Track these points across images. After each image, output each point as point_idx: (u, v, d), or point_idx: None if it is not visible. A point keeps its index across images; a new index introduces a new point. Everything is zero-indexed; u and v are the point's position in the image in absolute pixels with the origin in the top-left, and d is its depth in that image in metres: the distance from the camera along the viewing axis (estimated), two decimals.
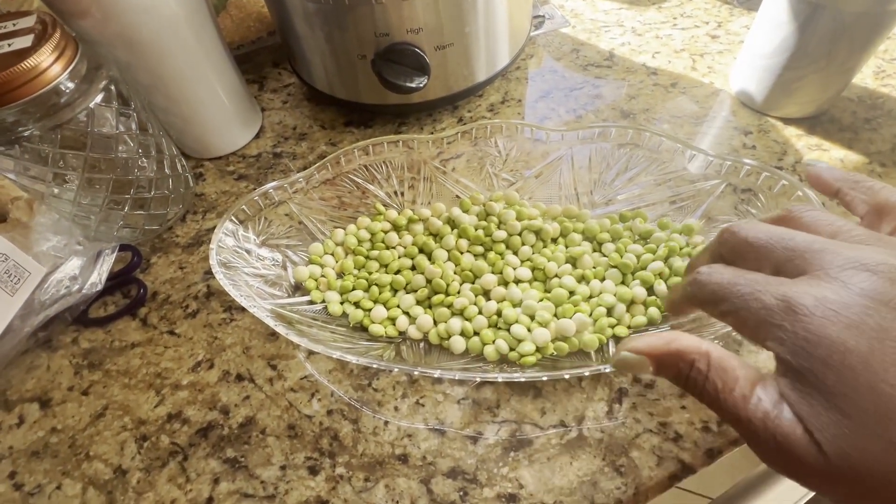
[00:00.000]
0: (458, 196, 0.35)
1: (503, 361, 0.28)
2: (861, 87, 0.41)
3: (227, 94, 0.40)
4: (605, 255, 0.31)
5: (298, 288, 0.33)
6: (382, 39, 0.35)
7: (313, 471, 0.27)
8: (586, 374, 0.25)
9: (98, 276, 0.34)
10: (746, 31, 0.47)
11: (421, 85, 0.37)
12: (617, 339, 0.29)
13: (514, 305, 0.29)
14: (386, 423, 0.28)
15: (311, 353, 0.31)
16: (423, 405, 0.29)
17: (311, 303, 0.32)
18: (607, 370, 0.25)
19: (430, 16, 0.34)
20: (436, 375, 0.26)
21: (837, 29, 0.33)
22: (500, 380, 0.25)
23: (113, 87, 0.31)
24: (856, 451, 0.15)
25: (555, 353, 0.28)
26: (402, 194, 0.36)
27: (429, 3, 0.33)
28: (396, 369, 0.25)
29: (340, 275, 0.33)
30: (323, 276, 0.32)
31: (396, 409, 0.29)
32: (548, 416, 0.28)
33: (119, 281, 0.35)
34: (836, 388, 0.15)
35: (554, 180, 0.35)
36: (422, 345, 0.30)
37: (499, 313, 0.29)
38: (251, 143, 0.44)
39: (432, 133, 0.42)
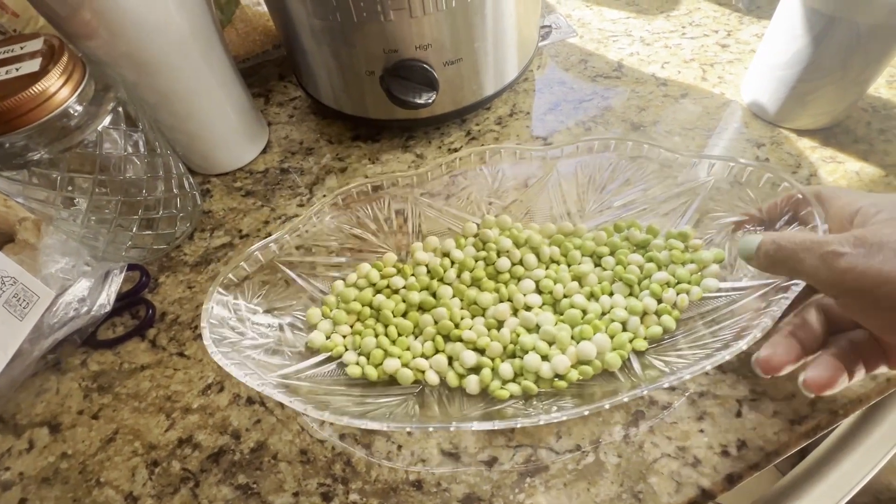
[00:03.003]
0: (449, 228, 0.34)
1: (529, 397, 0.27)
2: (875, 97, 0.41)
3: (234, 110, 0.40)
4: (606, 270, 0.31)
5: (300, 353, 0.30)
6: (391, 56, 0.35)
7: (326, 497, 0.27)
8: (625, 399, 0.24)
9: (106, 298, 0.34)
10: (756, 39, 0.47)
11: (429, 101, 0.37)
12: (638, 353, 0.28)
13: (530, 331, 0.29)
14: (399, 447, 0.28)
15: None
16: (448, 430, 0.28)
17: (330, 359, 0.30)
18: (643, 393, 0.24)
19: (439, 32, 0.34)
20: (472, 429, 0.24)
21: (852, 41, 0.32)
22: (541, 422, 0.23)
23: (120, 109, 0.31)
24: None
25: (580, 378, 0.27)
26: (391, 222, 0.34)
27: (438, 19, 0.33)
28: (432, 428, 0.24)
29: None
30: (336, 332, 0.31)
31: (409, 433, 0.28)
32: (563, 440, 0.27)
33: (127, 302, 0.35)
34: None
35: (544, 196, 0.34)
36: (442, 390, 0.28)
37: (514, 342, 0.29)
38: (258, 158, 0.43)
39: (440, 147, 0.42)
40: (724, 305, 0.28)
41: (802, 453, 0.45)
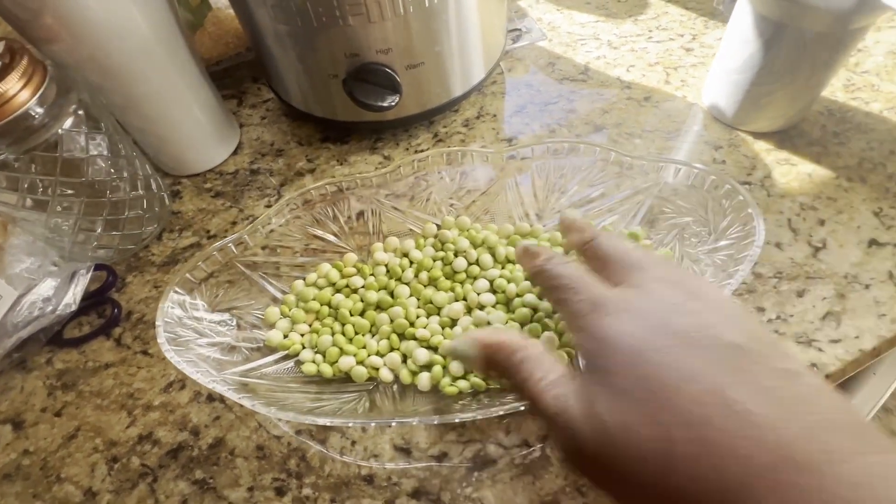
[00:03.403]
0: (410, 229, 0.35)
1: (477, 393, 0.28)
2: (831, 100, 0.42)
3: (203, 112, 0.41)
4: None
5: (259, 350, 0.31)
6: (353, 60, 0.36)
7: (280, 492, 0.27)
8: None
9: (72, 297, 0.34)
10: (720, 43, 0.47)
11: (393, 104, 0.37)
12: None
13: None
14: (353, 443, 0.29)
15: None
16: (390, 425, 0.29)
17: (288, 357, 0.31)
18: None
19: (399, 37, 0.35)
20: (414, 423, 0.25)
21: (800, 47, 0.33)
22: (479, 418, 0.24)
23: (82, 112, 0.31)
24: (622, 427, 0.16)
25: None
26: (352, 223, 0.35)
27: (397, 24, 0.34)
28: (373, 423, 0.25)
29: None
30: (294, 331, 0.31)
31: (364, 429, 0.29)
32: (512, 435, 0.28)
33: (94, 301, 0.36)
34: (617, 370, 0.17)
35: (503, 198, 0.35)
36: (395, 387, 0.29)
37: None
38: (229, 159, 0.44)
39: (407, 149, 0.43)
40: None
41: None
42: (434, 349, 0.29)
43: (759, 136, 0.40)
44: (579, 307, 0.20)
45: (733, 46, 0.37)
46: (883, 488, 0.13)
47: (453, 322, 0.30)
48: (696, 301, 0.18)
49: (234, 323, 0.31)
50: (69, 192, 0.32)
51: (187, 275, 0.29)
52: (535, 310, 0.30)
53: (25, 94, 0.29)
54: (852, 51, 0.34)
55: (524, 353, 0.20)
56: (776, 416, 0.14)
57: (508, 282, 0.31)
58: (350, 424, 0.25)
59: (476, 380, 0.27)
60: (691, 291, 0.19)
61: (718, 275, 0.28)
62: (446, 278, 0.32)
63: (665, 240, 0.32)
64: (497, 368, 0.21)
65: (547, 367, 0.19)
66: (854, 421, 0.15)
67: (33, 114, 0.29)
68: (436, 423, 0.25)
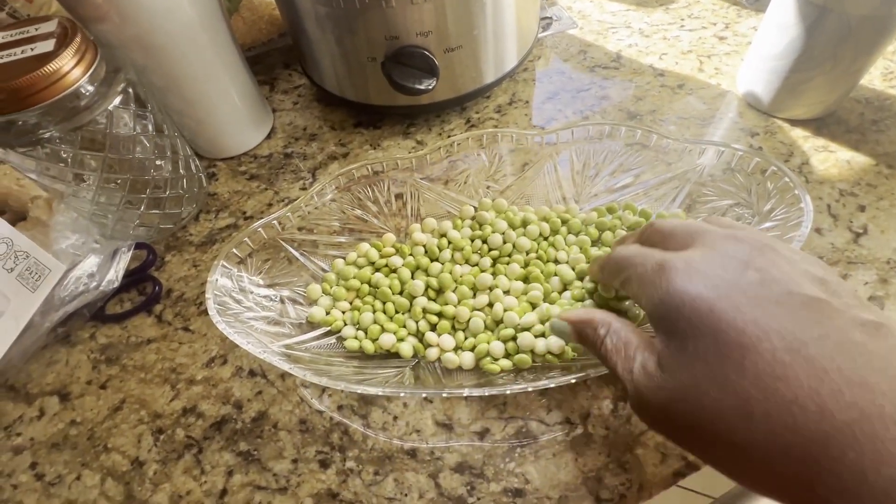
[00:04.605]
0: (448, 212, 0.35)
1: (519, 370, 0.28)
2: (869, 88, 0.41)
3: (240, 96, 0.41)
4: (598, 250, 0.32)
5: (300, 326, 0.31)
6: (392, 42, 0.36)
7: (324, 464, 0.28)
8: (592, 375, 0.25)
9: (115, 274, 0.35)
10: (754, 32, 0.47)
11: (430, 87, 0.37)
12: None
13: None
14: (395, 418, 0.29)
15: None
16: (430, 401, 0.29)
17: (329, 334, 0.31)
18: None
19: (439, 19, 0.35)
20: (464, 395, 0.26)
21: (843, 32, 0.33)
22: (529, 389, 0.25)
23: (130, 90, 0.32)
24: (694, 387, 0.17)
25: (575, 356, 0.28)
26: (391, 205, 0.35)
27: (437, 6, 0.34)
28: (424, 394, 0.25)
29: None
30: (336, 308, 0.32)
31: (405, 404, 0.29)
32: (553, 413, 0.28)
33: (135, 278, 0.36)
34: (687, 330, 0.17)
35: (540, 181, 0.35)
36: (437, 364, 0.29)
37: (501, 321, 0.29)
38: (262, 143, 0.44)
39: (440, 134, 0.43)
40: None
41: None
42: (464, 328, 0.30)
43: (795, 123, 0.40)
44: (645, 274, 0.20)
45: (772, 32, 0.37)
46: None
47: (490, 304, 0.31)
48: (765, 255, 0.18)
49: (278, 298, 0.31)
50: (116, 168, 0.33)
51: (234, 250, 0.30)
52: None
53: (77, 71, 0.29)
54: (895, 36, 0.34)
55: (607, 327, 0.21)
56: (864, 372, 0.14)
57: (546, 262, 0.31)
58: (402, 394, 0.25)
59: (521, 356, 0.28)
60: (760, 245, 0.19)
61: None
62: (481, 256, 0.33)
63: None
64: (585, 342, 0.23)
65: (626, 337, 0.21)
66: None
67: (84, 91, 0.30)
68: (486, 394, 0.25)
